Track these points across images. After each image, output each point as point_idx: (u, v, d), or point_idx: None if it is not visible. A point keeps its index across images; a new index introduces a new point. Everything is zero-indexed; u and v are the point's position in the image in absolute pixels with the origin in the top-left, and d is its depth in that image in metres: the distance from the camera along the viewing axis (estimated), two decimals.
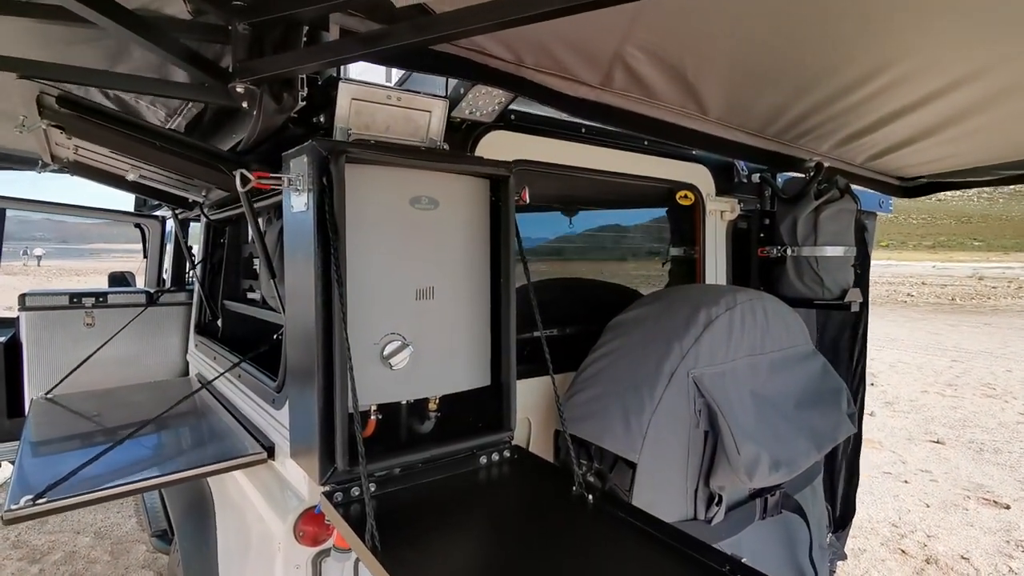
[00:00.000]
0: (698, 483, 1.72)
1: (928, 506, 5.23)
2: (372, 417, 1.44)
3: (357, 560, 1.68)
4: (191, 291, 3.29)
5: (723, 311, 1.79)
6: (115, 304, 3.15)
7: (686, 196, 2.51)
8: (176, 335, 3.28)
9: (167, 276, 4.14)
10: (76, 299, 3.08)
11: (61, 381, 2.84)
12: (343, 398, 1.30)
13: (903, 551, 4.48)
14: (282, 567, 1.60)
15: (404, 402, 1.50)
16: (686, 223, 2.68)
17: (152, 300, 3.19)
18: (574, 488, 1.41)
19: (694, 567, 1.11)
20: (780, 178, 2.77)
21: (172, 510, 2.38)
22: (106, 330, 3.07)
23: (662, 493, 1.65)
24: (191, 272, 3.52)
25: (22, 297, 3.00)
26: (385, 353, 1.40)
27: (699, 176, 2.55)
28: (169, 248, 4.14)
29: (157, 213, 4.28)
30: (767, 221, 2.66)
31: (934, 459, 6.41)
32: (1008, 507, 5.30)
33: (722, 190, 2.65)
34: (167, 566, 2.78)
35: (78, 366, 2.82)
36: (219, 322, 2.86)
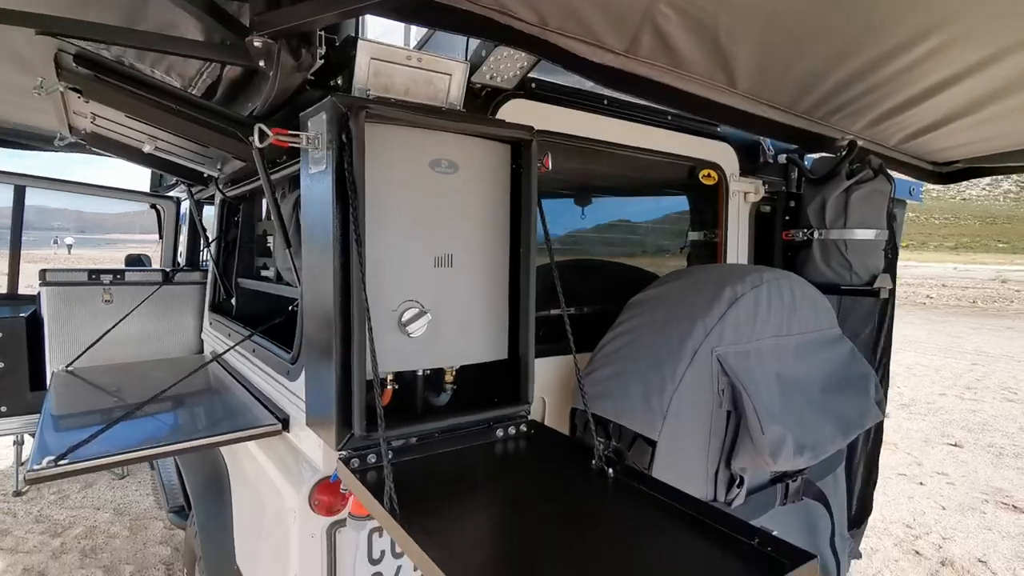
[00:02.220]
0: (719, 465, 1.67)
1: (944, 508, 5.12)
2: (388, 387, 1.41)
3: (371, 531, 1.65)
4: (206, 271, 3.29)
5: (749, 289, 1.73)
6: (132, 282, 3.16)
7: (709, 175, 2.44)
8: (191, 314, 3.29)
9: (182, 258, 4.15)
10: (95, 276, 3.09)
11: (81, 354, 2.86)
12: (361, 363, 1.27)
13: (917, 552, 4.39)
14: (297, 537, 1.57)
15: (421, 372, 1.46)
16: (707, 204, 2.61)
17: (167, 279, 3.19)
18: (593, 462, 1.37)
19: (722, 540, 1.06)
20: (807, 160, 2.70)
21: (189, 484, 2.38)
22: (123, 307, 3.09)
23: (682, 473, 1.60)
24: (205, 252, 3.52)
25: (43, 272, 3.02)
26: (403, 320, 1.36)
27: (723, 155, 2.48)
28: (184, 230, 4.14)
29: (172, 194, 4.29)
30: (793, 203, 2.59)
31: (951, 462, 6.27)
32: None
33: (746, 170, 2.58)
34: (184, 540, 2.79)
35: (97, 340, 2.84)
36: (233, 300, 2.85)
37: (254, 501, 2.01)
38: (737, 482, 1.67)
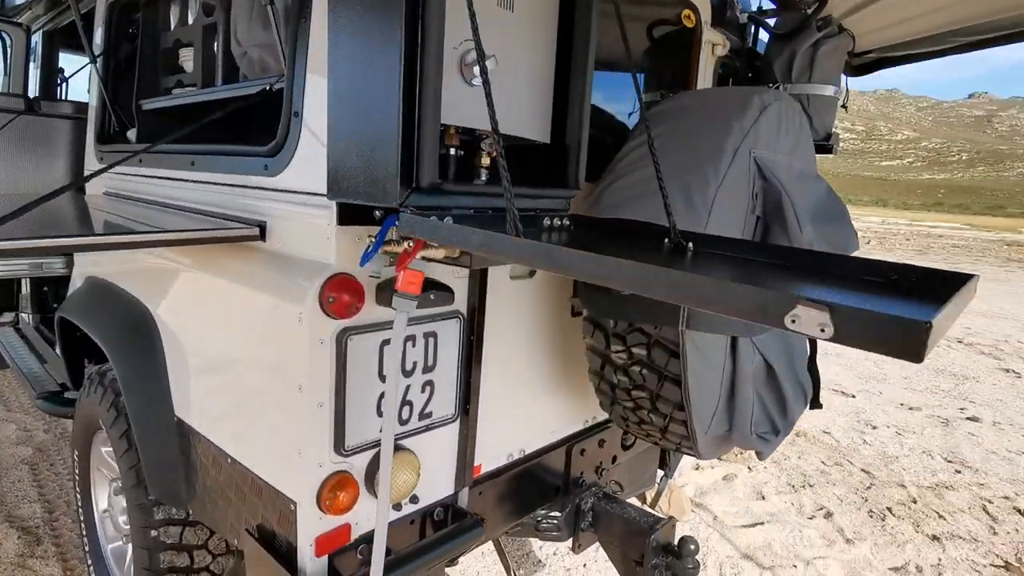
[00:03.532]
0: None
1: None
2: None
3: (383, 343, 1.45)
4: (75, 103, 2.65)
5: (773, 100, 1.70)
6: None
7: (688, 16, 2.35)
8: (62, 157, 2.66)
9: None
10: None
11: None
12: (435, 106, 1.03)
13: None
14: (305, 343, 1.32)
15: (478, 134, 1.25)
16: (676, 55, 2.54)
17: (31, 107, 2.53)
18: (667, 240, 1.27)
19: (854, 282, 1.01)
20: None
21: (101, 337, 1.95)
22: None
23: None
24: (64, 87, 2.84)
25: None
26: (467, 61, 1.14)
27: None
28: (33, 67, 3.33)
29: (21, 20, 3.39)
30: (757, 62, 2.60)
31: None
32: (855, 396, 6.07)
33: (716, 21, 2.54)
34: (74, 420, 2.33)
35: None
36: (134, 131, 2.33)
37: (209, 334, 1.69)
38: None
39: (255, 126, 1.88)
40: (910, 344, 0.54)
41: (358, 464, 1.51)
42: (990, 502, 4.05)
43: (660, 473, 3.08)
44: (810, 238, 1.58)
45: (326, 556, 1.51)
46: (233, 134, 1.93)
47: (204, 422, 1.77)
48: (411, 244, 1.19)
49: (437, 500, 1.74)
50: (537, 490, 2.08)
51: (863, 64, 3.26)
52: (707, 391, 1.62)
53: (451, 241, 0.95)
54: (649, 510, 2.25)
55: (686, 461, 3.97)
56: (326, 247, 1.36)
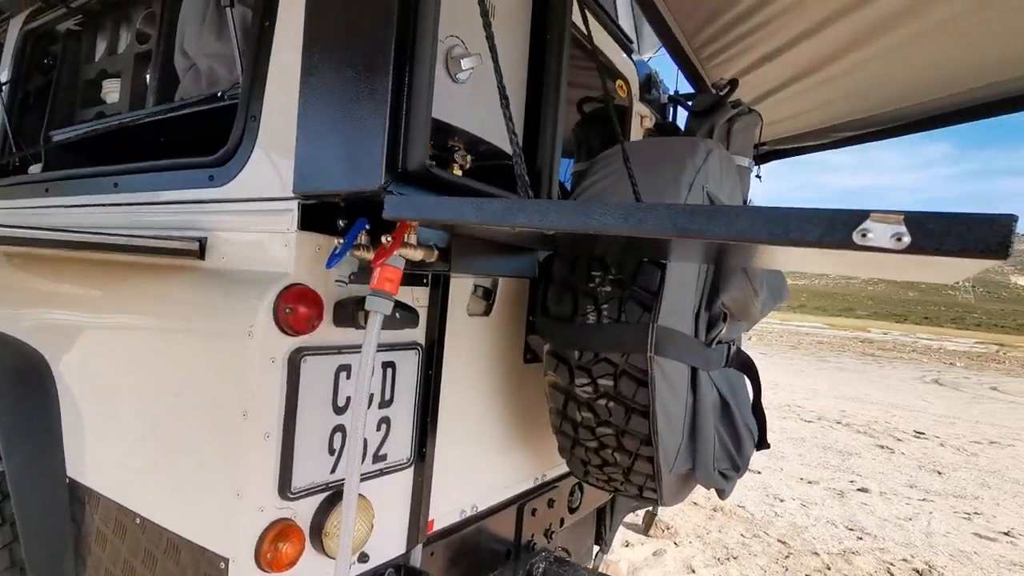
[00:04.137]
0: (700, 305, 1.69)
1: None
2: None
3: (340, 369, 1.31)
4: None
5: (715, 147, 1.82)
6: None
7: (621, 87, 2.53)
8: None
9: None
10: None
11: None
12: (427, 86, 1.00)
13: (695, 503, 5.04)
14: (255, 362, 1.16)
15: (450, 144, 1.22)
16: (603, 128, 2.70)
17: None
18: None
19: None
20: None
21: None
22: None
23: (682, 302, 1.58)
24: None
25: None
26: (452, 55, 1.13)
27: (630, 72, 2.59)
28: None
29: None
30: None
31: None
32: (760, 472, 6.29)
33: (640, 98, 2.75)
34: None
35: None
36: (39, 166, 2.09)
37: (124, 374, 1.46)
38: (723, 317, 1.71)
39: (190, 143, 1.75)
40: (996, 238, 0.54)
41: (303, 511, 1.31)
42: (892, 564, 4.22)
43: (596, 548, 2.95)
44: (761, 275, 1.65)
45: None
46: (161, 154, 1.78)
47: (106, 480, 1.49)
48: (388, 239, 1.11)
49: (389, 559, 1.53)
50: (488, 553, 1.91)
51: (757, 155, 3.65)
52: (673, 424, 1.59)
53: (461, 216, 0.89)
54: (602, 573, 2.11)
55: (617, 538, 3.84)
56: (284, 254, 1.24)
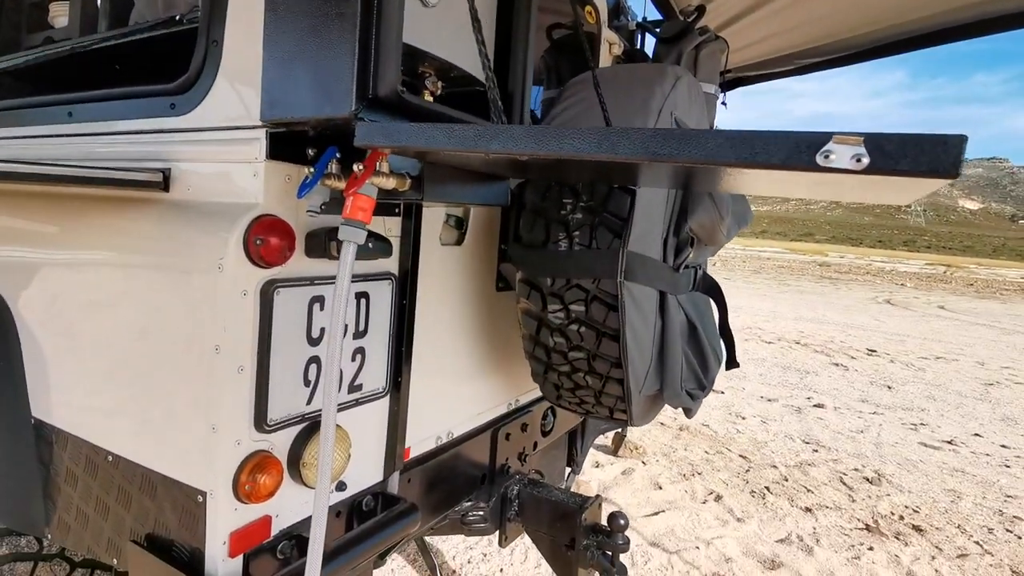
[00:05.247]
0: (668, 230, 1.72)
1: None
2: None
3: (313, 300, 1.30)
4: None
5: (683, 74, 1.80)
6: None
7: (591, 13, 2.45)
8: None
9: None
10: None
11: None
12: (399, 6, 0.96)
13: (662, 423, 5.27)
14: (226, 295, 1.15)
15: (420, 71, 1.18)
16: (573, 55, 2.63)
17: None
18: None
19: None
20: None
21: None
22: None
23: (652, 227, 1.61)
24: None
25: None
26: None
27: None
28: None
29: None
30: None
31: None
32: (723, 392, 6.58)
33: (608, 25, 2.68)
34: None
35: None
36: None
37: (88, 310, 1.43)
38: (691, 242, 1.74)
39: (148, 70, 1.66)
40: (948, 158, 0.57)
41: (280, 443, 1.33)
42: (844, 474, 4.53)
43: (568, 470, 3.09)
44: (726, 200, 1.67)
45: (241, 556, 1.30)
46: (118, 82, 1.69)
47: (74, 418, 1.48)
48: (360, 168, 1.09)
49: (366, 487, 1.58)
50: (464, 478, 1.98)
51: (725, 81, 3.62)
52: (642, 347, 1.65)
53: (434, 143, 0.87)
54: (574, 492, 2.22)
55: (588, 459, 4.02)
56: (252, 185, 1.21)
